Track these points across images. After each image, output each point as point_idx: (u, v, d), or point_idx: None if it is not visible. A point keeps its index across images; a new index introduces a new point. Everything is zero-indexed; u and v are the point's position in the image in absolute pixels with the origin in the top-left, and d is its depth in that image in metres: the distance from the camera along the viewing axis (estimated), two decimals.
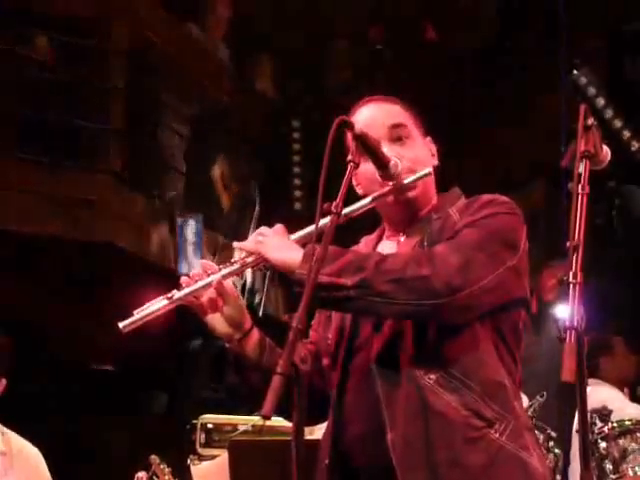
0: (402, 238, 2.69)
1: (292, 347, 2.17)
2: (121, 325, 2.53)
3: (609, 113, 8.67)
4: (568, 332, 2.05)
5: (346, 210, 2.54)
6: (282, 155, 10.98)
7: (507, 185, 9.67)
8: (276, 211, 10.27)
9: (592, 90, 8.69)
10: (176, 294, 2.56)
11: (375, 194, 2.63)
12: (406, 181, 2.61)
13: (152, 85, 9.53)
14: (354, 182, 2.70)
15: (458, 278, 2.39)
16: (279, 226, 2.60)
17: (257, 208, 10.72)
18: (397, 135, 2.67)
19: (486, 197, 2.61)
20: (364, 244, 2.79)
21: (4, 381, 4.48)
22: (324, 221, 2.40)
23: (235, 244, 2.61)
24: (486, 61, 10.10)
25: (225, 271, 2.58)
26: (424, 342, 2.47)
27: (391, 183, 2.61)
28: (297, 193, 10.69)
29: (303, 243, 2.53)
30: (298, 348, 2.19)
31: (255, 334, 2.67)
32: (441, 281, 2.38)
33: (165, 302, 2.55)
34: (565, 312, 1.97)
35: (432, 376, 2.44)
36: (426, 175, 2.65)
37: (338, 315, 2.67)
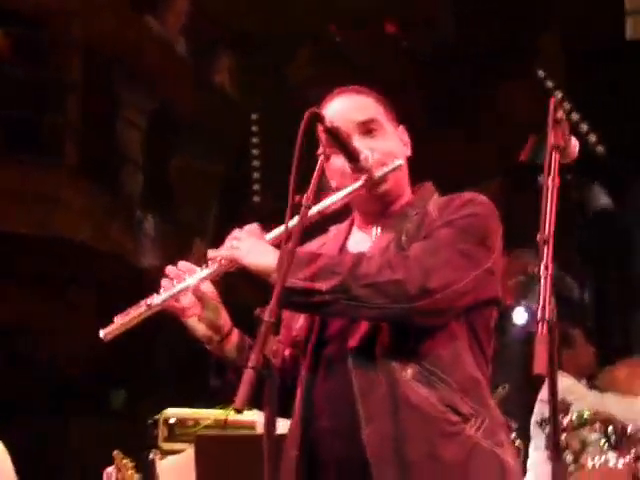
0: (376, 231, 2.66)
1: (264, 341, 2.17)
2: (102, 333, 2.51)
3: (567, 106, 8.73)
4: (540, 324, 2.06)
5: (318, 206, 2.53)
6: (241, 149, 10.96)
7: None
8: (236, 205, 10.27)
9: (550, 84, 8.75)
10: (155, 299, 2.54)
11: (347, 189, 2.61)
12: (377, 175, 2.59)
13: (109, 78, 9.48)
14: (327, 176, 2.67)
15: (432, 281, 2.40)
16: (254, 226, 2.57)
17: (215, 204, 10.71)
18: (367, 128, 2.64)
19: (466, 195, 2.60)
20: (334, 234, 2.76)
21: None
22: (296, 218, 2.39)
23: (209, 253, 2.57)
24: (446, 58, 10.13)
25: (202, 274, 2.56)
26: (401, 336, 2.46)
27: (363, 177, 2.59)
28: (256, 186, 10.69)
29: (279, 242, 2.51)
30: (270, 342, 2.18)
31: (235, 335, 2.66)
32: (415, 284, 2.39)
33: (145, 308, 2.53)
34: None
35: (409, 370, 2.44)
36: (396, 167, 2.63)
37: None
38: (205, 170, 10.71)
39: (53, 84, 9.02)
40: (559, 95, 8.56)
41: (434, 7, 10.43)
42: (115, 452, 4.89)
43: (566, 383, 6.34)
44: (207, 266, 2.57)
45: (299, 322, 2.65)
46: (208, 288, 2.60)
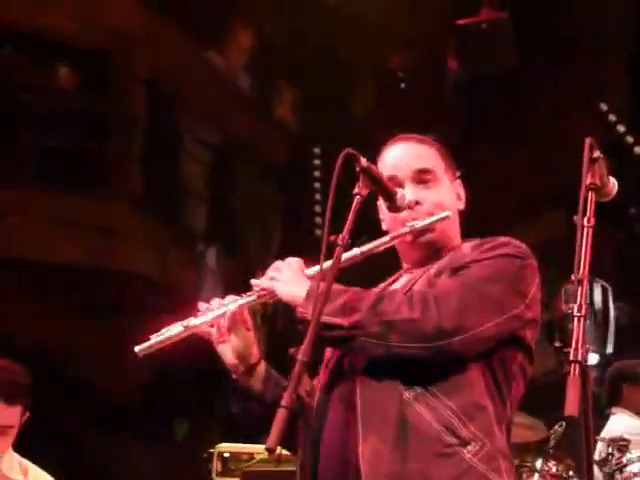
0: (416, 272, 2.69)
1: (297, 380, 2.18)
2: (137, 349, 2.57)
3: (630, 140, 8.66)
4: (572, 365, 2.04)
5: (362, 248, 2.57)
6: (303, 182, 11.00)
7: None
8: (298, 238, 10.30)
9: (612, 117, 8.67)
10: (192, 321, 2.59)
11: (392, 234, 2.65)
12: (421, 224, 2.62)
13: (172, 112, 9.59)
14: (381, 217, 2.73)
15: (451, 323, 2.39)
16: (295, 260, 2.60)
17: (279, 236, 10.75)
18: (422, 179, 2.67)
19: (502, 239, 2.59)
20: (384, 285, 2.78)
21: (27, 414, 4.48)
22: (346, 255, 2.44)
23: (253, 282, 2.61)
24: (507, 90, 10.08)
25: (240, 302, 2.60)
26: (409, 359, 2.45)
27: (407, 225, 2.61)
28: (318, 220, 10.72)
29: (318, 278, 2.53)
30: (304, 381, 2.20)
31: (262, 368, 2.68)
32: (431, 325, 2.39)
33: (181, 329, 2.58)
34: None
35: (412, 392, 2.44)
36: (442, 219, 2.64)
37: None
38: (267, 204, 10.77)
39: (117, 117, 9.15)
40: (622, 129, 8.49)
41: (495, 38, 10.40)
42: None
43: (628, 421, 6.24)
44: (248, 295, 2.61)
45: None
46: (243, 317, 2.64)
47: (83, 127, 8.82)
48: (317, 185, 10.81)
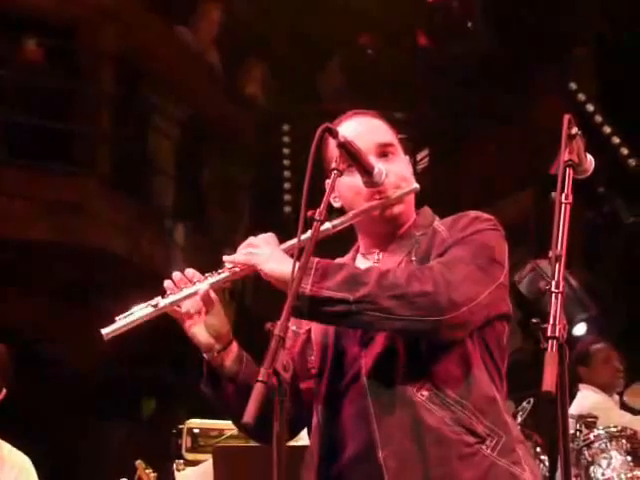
0: (378, 256, 2.66)
1: (274, 355, 2.17)
2: (104, 332, 2.49)
3: (598, 119, 8.69)
4: (549, 342, 2.05)
5: (334, 222, 2.54)
6: (272, 159, 10.98)
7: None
8: (267, 215, 10.28)
9: (582, 96, 8.70)
10: (161, 302, 2.52)
11: (364, 207, 2.61)
12: (394, 195, 2.61)
13: (140, 88, 9.52)
14: (334, 194, 2.65)
15: (459, 294, 2.40)
16: (269, 235, 2.57)
17: (246, 213, 10.73)
18: (384, 151, 2.65)
19: (472, 214, 2.60)
20: None
21: (4, 391, 4.46)
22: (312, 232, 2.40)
23: (225, 258, 2.56)
24: (482, 71, 10.10)
25: (212, 280, 2.55)
26: (416, 358, 2.46)
27: (378, 197, 2.60)
28: (287, 197, 10.70)
29: (292, 252, 2.51)
30: (280, 356, 2.18)
31: (234, 347, 2.63)
32: (444, 297, 2.37)
33: (150, 310, 2.51)
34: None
35: (424, 393, 2.43)
36: (412, 191, 2.65)
37: (319, 336, 2.64)
38: (236, 180, 10.74)
39: (85, 93, 9.08)
40: (590, 108, 8.52)
41: (466, 19, 10.42)
42: (138, 461, 4.91)
43: (594, 398, 6.31)
44: (218, 273, 2.56)
45: (314, 353, 2.63)
46: (214, 296, 2.57)
47: (50, 103, 8.73)
48: (286, 162, 10.79)
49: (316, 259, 2.40)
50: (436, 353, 2.46)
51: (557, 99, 9.25)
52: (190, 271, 2.59)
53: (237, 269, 2.55)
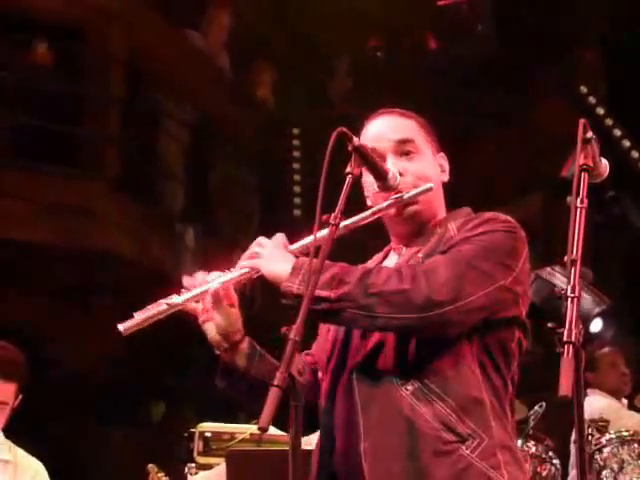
0: (404, 251, 2.69)
1: (289, 359, 2.18)
2: (121, 327, 2.54)
3: (609, 122, 8.68)
4: (566, 346, 2.05)
5: (346, 222, 2.55)
6: (282, 163, 10.99)
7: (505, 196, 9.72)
8: (276, 218, 10.28)
9: (592, 100, 8.70)
10: (175, 299, 2.58)
11: (375, 208, 2.64)
12: (406, 196, 2.61)
13: (149, 91, 9.53)
14: (365, 193, 2.71)
15: (441, 293, 2.39)
16: (279, 236, 2.59)
17: (256, 215, 10.73)
18: (404, 150, 2.67)
19: (487, 215, 2.60)
20: (372, 262, 2.78)
21: (20, 396, 4.48)
22: (324, 232, 2.42)
23: (240, 259, 2.61)
24: (485, 73, 10.10)
25: (223, 278, 2.59)
26: (405, 353, 2.47)
27: (392, 197, 2.61)
28: (297, 200, 10.71)
29: (302, 253, 2.54)
30: (295, 360, 2.19)
31: (245, 345, 2.67)
32: (421, 295, 2.38)
33: (165, 307, 2.56)
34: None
35: (409, 387, 2.44)
36: (426, 190, 2.64)
37: (334, 327, 2.67)
38: (246, 183, 10.75)
39: (94, 96, 9.09)
40: (601, 111, 8.51)
41: (475, 22, 10.42)
42: (150, 466, 4.92)
43: (604, 402, 6.31)
44: (230, 272, 2.61)
45: (328, 346, 2.68)
46: (229, 294, 2.63)
47: (59, 105, 8.74)
48: (296, 166, 10.80)
49: (305, 260, 2.43)
50: (427, 349, 2.47)
51: (557, 101, 9.25)
52: (212, 274, 2.63)
53: (244, 270, 2.59)
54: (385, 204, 2.62)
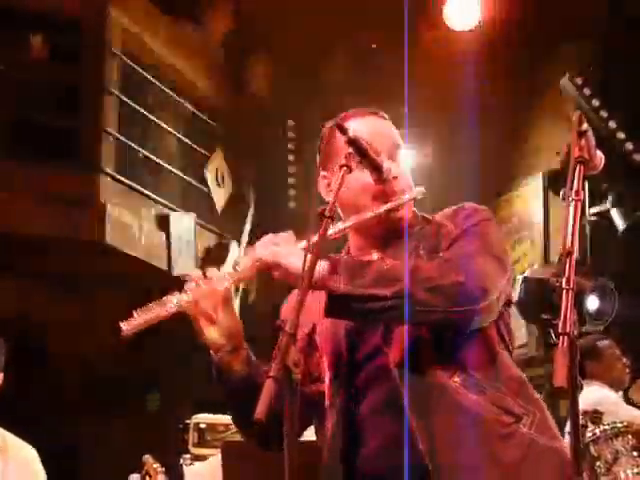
0: (375, 255, 2.65)
1: (285, 351, 2.18)
2: (123, 327, 2.48)
3: (604, 115, 8.65)
4: (560, 337, 2.06)
5: (347, 223, 2.57)
6: (277, 154, 10.97)
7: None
8: (270, 210, 10.29)
9: (587, 91, 8.67)
10: (177, 298, 2.52)
11: (380, 210, 2.61)
12: (405, 199, 2.63)
13: (144, 83, 9.53)
14: (341, 190, 2.53)
15: (488, 282, 2.46)
16: (289, 234, 2.56)
17: (252, 207, 10.74)
18: (395, 155, 2.69)
19: (469, 205, 2.65)
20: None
21: (1, 375, 4.49)
22: (336, 227, 2.48)
23: (241, 257, 2.59)
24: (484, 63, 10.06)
25: (230, 276, 2.55)
26: (442, 347, 2.49)
27: (384, 197, 2.61)
28: (291, 192, 10.70)
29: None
30: (291, 353, 2.19)
31: (244, 350, 2.63)
32: (476, 286, 2.43)
33: (168, 306, 2.50)
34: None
35: (456, 379, 2.47)
36: (415, 196, 2.65)
37: (328, 336, 2.64)
38: (241, 176, 10.75)
39: (89, 88, 9.08)
40: (596, 103, 8.49)
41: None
42: (145, 456, 4.93)
43: (600, 393, 6.30)
44: (235, 270, 2.55)
45: (321, 356, 2.65)
46: (230, 295, 2.59)
47: (55, 97, 8.74)
48: (291, 157, 10.78)
49: (343, 257, 2.47)
50: (461, 340, 2.50)
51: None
52: (211, 269, 2.59)
53: (245, 268, 2.53)
54: (398, 202, 2.61)
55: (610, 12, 9.08)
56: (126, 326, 2.48)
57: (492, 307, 2.47)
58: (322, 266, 2.39)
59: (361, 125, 2.66)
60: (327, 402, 2.64)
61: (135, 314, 2.50)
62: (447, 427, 2.43)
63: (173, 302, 2.51)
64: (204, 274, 2.57)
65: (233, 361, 2.60)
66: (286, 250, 2.48)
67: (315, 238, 2.39)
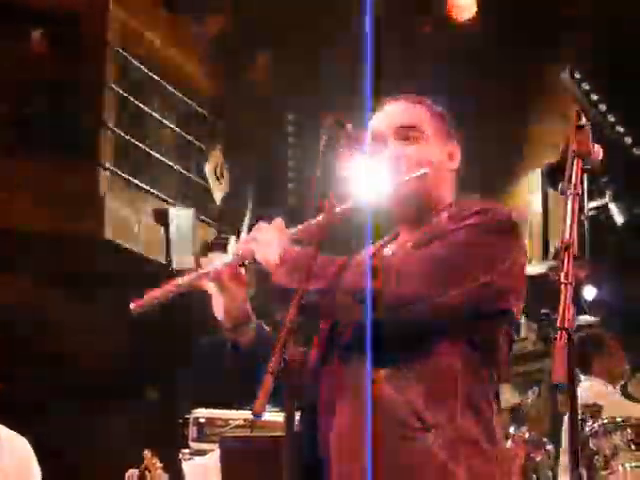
0: (400, 238, 2.70)
1: (283, 346, 2.19)
2: (132, 306, 2.58)
3: (603, 108, 8.66)
4: (559, 333, 2.05)
5: (339, 208, 2.56)
6: (277, 148, 10.97)
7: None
8: (271, 204, 10.29)
9: (586, 86, 8.68)
10: (179, 281, 2.61)
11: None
12: (404, 179, 2.61)
13: (143, 78, 9.53)
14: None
15: (410, 291, 2.40)
16: (278, 220, 2.60)
17: (250, 202, 10.73)
18: (404, 135, 2.66)
19: (480, 205, 2.56)
20: (378, 244, 2.76)
21: None
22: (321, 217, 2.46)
23: (238, 243, 2.67)
24: (480, 59, 10.05)
25: (222, 261, 2.62)
26: (380, 342, 2.43)
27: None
28: (291, 186, 10.70)
29: (300, 238, 2.55)
30: (290, 346, 2.20)
31: (250, 330, 2.67)
32: (392, 294, 2.39)
33: (173, 287, 2.61)
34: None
35: (382, 372, 2.44)
36: (419, 176, 2.61)
37: (319, 332, 2.69)
38: (240, 169, 10.75)
39: (88, 82, 9.08)
40: (595, 97, 8.50)
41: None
42: (145, 451, 4.94)
43: (598, 388, 6.30)
44: (235, 256, 2.63)
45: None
46: (240, 275, 2.64)
47: (53, 92, 8.74)
48: (290, 152, 10.78)
49: (302, 250, 2.46)
50: (406, 338, 2.45)
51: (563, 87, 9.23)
52: (215, 256, 2.66)
53: (244, 253, 2.60)
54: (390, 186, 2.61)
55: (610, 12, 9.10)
56: (135, 305, 2.59)
57: (414, 317, 2.40)
58: (274, 255, 2.48)
59: (376, 112, 2.73)
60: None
61: (145, 295, 2.61)
62: (355, 418, 2.42)
63: (177, 284, 2.61)
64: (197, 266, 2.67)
65: (239, 337, 2.67)
66: (264, 240, 2.53)
67: (300, 227, 2.50)
